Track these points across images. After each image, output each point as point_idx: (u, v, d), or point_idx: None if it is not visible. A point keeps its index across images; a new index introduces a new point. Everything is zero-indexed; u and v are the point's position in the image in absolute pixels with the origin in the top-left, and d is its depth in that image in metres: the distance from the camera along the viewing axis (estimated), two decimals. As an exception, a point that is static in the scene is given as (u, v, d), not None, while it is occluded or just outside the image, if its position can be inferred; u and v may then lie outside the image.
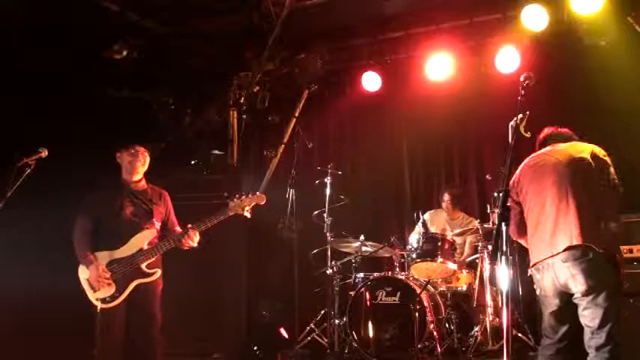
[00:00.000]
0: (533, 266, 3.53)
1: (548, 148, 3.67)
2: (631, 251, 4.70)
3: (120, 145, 4.41)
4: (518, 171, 3.66)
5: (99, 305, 4.12)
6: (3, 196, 3.73)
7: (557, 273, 3.38)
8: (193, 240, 4.29)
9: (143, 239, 4.25)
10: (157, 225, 4.37)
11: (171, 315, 5.74)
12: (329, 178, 6.14)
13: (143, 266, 4.21)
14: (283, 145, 7.20)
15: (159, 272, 4.29)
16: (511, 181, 3.61)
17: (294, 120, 7.18)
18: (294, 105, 7.26)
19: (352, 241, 6.04)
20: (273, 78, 6.96)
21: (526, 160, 3.68)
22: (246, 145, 7.04)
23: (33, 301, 5.11)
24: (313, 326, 5.99)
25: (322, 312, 6.03)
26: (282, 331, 6.52)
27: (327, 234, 5.99)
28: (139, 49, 6.18)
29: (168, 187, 5.90)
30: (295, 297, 6.56)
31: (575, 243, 3.31)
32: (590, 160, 3.45)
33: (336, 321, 5.73)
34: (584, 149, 3.52)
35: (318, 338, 5.95)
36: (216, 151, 6.69)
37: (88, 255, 4.16)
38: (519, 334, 5.45)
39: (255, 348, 6.02)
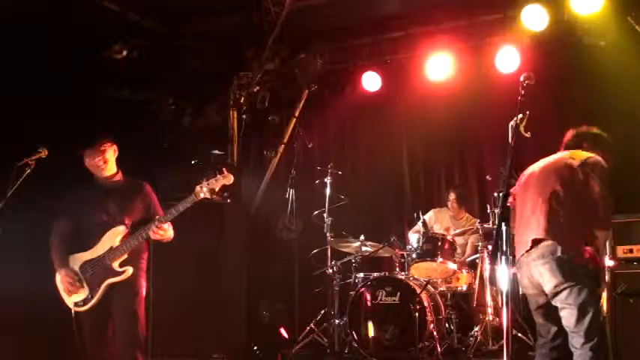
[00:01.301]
0: (515, 265, 3.58)
1: (558, 154, 3.75)
2: (631, 251, 4.69)
3: (83, 147, 4.20)
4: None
5: (81, 308, 4.04)
6: (3, 196, 3.73)
7: (532, 271, 3.45)
8: (161, 233, 4.05)
9: (113, 237, 4.07)
10: (128, 221, 4.16)
11: (172, 315, 5.77)
12: (329, 178, 6.14)
13: (115, 265, 4.03)
14: (283, 145, 7.20)
15: (130, 270, 4.04)
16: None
17: (294, 120, 7.18)
18: (294, 105, 7.26)
19: (352, 241, 6.04)
20: (273, 78, 6.96)
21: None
22: (246, 145, 7.04)
23: (33, 301, 5.10)
24: (313, 326, 5.99)
25: (322, 312, 6.02)
26: (282, 331, 6.52)
27: (327, 234, 5.99)
28: (139, 49, 6.18)
29: (169, 187, 5.92)
30: (295, 297, 6.57)
31: (539, 236, 3.37)
32: (578, 169, 3.47)
33: (336, 321, 5.73)
34: (579, 156, 3.55)
35: (318, 338, 5.94)
36: (216, 151, 6.68)
37: (60, 259, 4.12)
38: (519, 334, 5.45)
39: (255, 348, 6.02)
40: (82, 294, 4.06)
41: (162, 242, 4.17)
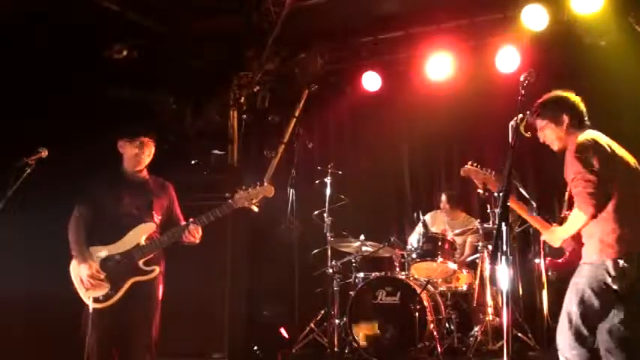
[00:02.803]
0: (626, 255, 3.11)
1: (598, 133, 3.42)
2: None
3: (125, 135, 4.05)
4: (604, 143, 3.29)
5: (91, 305, 3.79)
6: (3, 196, 3.72)
7: None
8: (195, 235, 3.96)
9: (141, 233, 3.91)
10: (157, 218, 4.04)
11: (172, 315, 5.76)
12: (329, 178, 6.14)
13: (140, 263, 3.88)
14: (283, 145, 7.20)
15: (157, 270, 3.94)
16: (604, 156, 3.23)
17: (294, 120, 7.18)
18: (294, 105, 7.26)
19: (352, 241, 6.04)
20: (273, 78, 6.96)
21: (600, 135, 3.39)
22: (246, 145, 7.04)
23: (33, 301, 5.11)
24: (313, 326, 5.99)
25: (322, 312, 6.02)
26: (282, 331, 6.52)
27: (327, 234, 5.99)
28: (139, 49, 6.18)
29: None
30: (295, 297, 6.57)
31: None
32: None
33: (336, 321, 5.73)
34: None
35: (318, 338, 5.95)
36: (216, 151, 6.68)
37: (83, 251, 3.85)
38: (519, 334, 5.45)
39: (255, 348, 6.02)
40: (103, 289, 3.82)
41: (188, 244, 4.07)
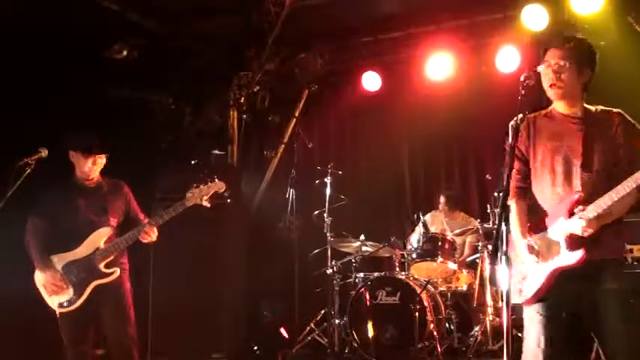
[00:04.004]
0: None
1: None
2: (631, 251, 4.69)
3: (78, 148, 4.12)
4: None
5: (57, 310, 4.00)
6: (3, 196, 3.72)
7: None
8: (150, 235, 4.07)
9: (99, 238, 4.05)
10: (114, 221, 4.16)
11: (172, 315, 5.76)
12: (329, 178, 6.14)
13: (101, 266, 4.02)
14: (283, 145, 7.21)
15: (118, 271, 4.05)
16: None
17: (294, 120, 7.19)
18: (294, 105, 7.27)
19: (352, 241, 6.04)
20: (273, 78, 6.97)
21: None
22: (246, 145, 7.05)
23: (33, 300, 5.10)
24: (313, 326, 5.99)
25: (322, 312, 6.03)
26: (282, 331, 6.52)
27: (327, 234, 6.00)
28: (139, 49, 6.18)
29: (169, 187, 5.92)
30: (295, 297, 6.56)
31: None
32: None
33: (336, 321, 5.74)
34: None
35: (318, 338, 5.95)
36: (216, 151, 6.69)
37: (42, 260, 4.01)
38: (519, 334, 5.44)
39: (255, 348, 6.02)
40: (67, 295, 4.00)
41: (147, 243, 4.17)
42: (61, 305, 4.00)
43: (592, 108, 2.98)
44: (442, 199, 6.52)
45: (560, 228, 2.79)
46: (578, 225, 2.70)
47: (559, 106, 2.97)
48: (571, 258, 2.72)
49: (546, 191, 2.89)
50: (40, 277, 4.03)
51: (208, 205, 4.13)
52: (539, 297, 2.81)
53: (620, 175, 2.68)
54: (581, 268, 2.70)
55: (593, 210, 2.68)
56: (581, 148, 2.84)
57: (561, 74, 2.87)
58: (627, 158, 2.79)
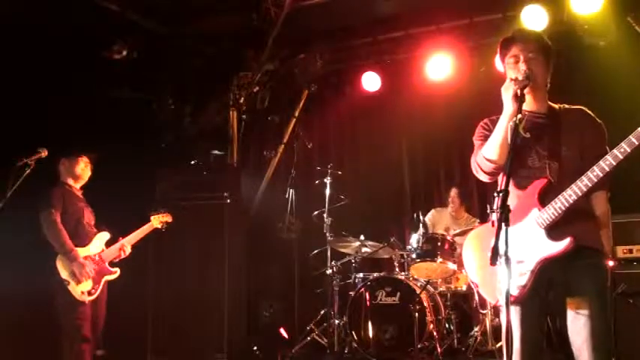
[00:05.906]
0: None
1: None
2: (631, 251, 4.69)
3: (70, 154, 4.58)
4: None
5: (86, 298, 4.34)
6: (3, 196, 3.73)
7: None
8: (126, 253, 4.68)
9: (102, 240, 4.63)
10: (104, 227, 4.72)
11: (172, 315, 5.77)
12: (329, 178, 6.14)
13: (107, 264, 4.59)
14: (283, 145, 7.20)
15: (118, 271, 4.62)
16: None
17: (294, 120, 7.19)
18: (294, 105, 7.27)
19: (352, 241, 6.03)
20: (273, 78, 6.97)
21: None
22: (246, 145, 7.05)
23: (33, 301, 5.11)
24: (313, 326, 5.99)
25: (322, 312, 6.02)
26: (282, 331, 6.52)
27: (327, 234, 5.99)
28: (139, 49, 6.18)
29: (169, 188, 5.92)
30: (295, 297, 6.57)
31: None
32: None
33: (336, 321, 5.74)
34: None
35: (318, 338, 5.94)
36: (216, 151, 6.69)
37: (74, 249, 4.34)
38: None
39: (255, 348, 6.02)
40: (88, 285, 4.38)
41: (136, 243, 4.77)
42: (84, 294, 4.35)
43: (556, 106, 3.05)
44: (453, 192, 6.43)
45: (536, 219, 2.78)
46: (551, 214, 2.71)
47: (525, 104, 2.97)
48: (557, 247, 2.69)
49: (519, 184, 2.94)
50: (67, 265, 4.31)
51: (160, 227, 4.84)
52: (525, 293, 2.78)
53: (586, 168, 2.70)
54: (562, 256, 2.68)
55: (564, 201, 2.68)
56: (549, 141, 2.92)
57: (532, 67, 2.96)
58: (594, 152, 2.81)
